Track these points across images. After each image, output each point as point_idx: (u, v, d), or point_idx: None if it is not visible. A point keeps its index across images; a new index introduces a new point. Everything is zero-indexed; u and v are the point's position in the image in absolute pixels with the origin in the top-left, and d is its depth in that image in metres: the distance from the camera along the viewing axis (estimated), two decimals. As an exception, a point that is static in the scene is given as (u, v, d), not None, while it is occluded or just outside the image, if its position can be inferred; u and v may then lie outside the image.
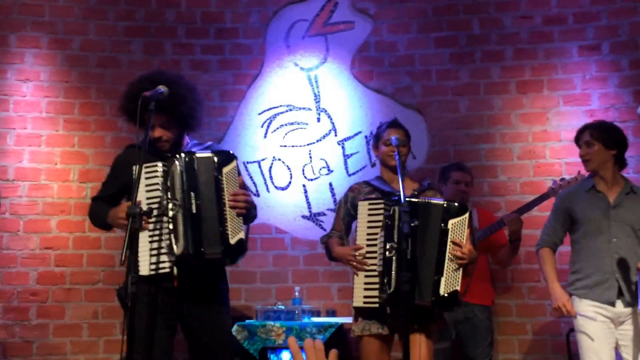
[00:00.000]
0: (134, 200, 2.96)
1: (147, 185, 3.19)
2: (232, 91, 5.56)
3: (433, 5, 5.56)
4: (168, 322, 3.27)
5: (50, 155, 5.30)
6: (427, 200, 3.43)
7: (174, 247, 3.10)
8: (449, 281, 3.35)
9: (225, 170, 3.23)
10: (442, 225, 3.39)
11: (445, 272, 3.35)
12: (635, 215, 3.82)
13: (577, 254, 3.91)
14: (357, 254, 3.46)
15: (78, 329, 5.17)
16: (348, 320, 4.92)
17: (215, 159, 3.24)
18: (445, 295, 3.34)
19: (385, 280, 3.29)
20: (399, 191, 3.44)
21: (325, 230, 5.30)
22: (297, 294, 4.99)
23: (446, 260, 3.36)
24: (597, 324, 3.74)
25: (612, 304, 3.73)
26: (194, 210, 3.14)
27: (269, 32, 5.65)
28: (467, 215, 3.44)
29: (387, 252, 3.30)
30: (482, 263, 4.67)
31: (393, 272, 3.29)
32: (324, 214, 5.39)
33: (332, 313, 5.10)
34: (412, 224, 3.27)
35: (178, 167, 3.17)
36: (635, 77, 5.23)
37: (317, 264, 5.34)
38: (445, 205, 3.43)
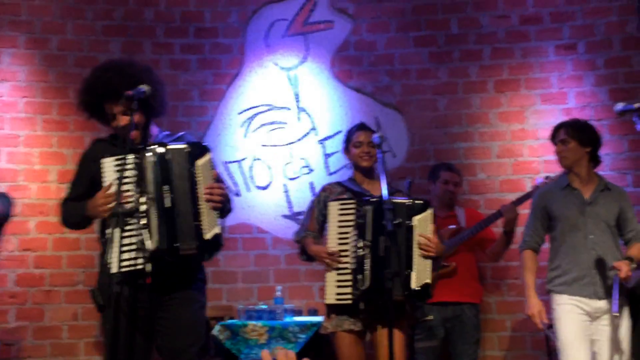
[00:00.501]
0: (118, 199, 2.92)
1: (117, 179, 3.02)
2: (211, 91, 5.55)
3: (412, 4, 5.60)
4: (145, 326, 3.15)
5: (29, 156, 5.25)
6: (392, 201, 3.50)
7: (147, 242, 2.97)
8: (420, 275, 3.49)
9: (199, 162, 3.11)
10: (408, 222, 3.52)
11: (414, 266, 3.48)
12: (610, 211, 3.90)
13: (555, 251, 3.97)
14: (330, 252, 3.56)
15: (58, 331, 5.14)
16: (330, 318, 4.95)
17: (189, 150, 3.11)
18: (417, 288, 3.48)
19: (359, 277, 3.42)
20: (369, 192, 3.65)
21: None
22: (278, 293, 5.00)
23: (414, 255, 3.50)
24: (575, 316, 3.81)
25: (591, 298, 3.80)
26: (168, 204, 3.03)
27: (249, 31, 5.65)
28: (430, 211, 3.60)
29: (360, 250, 3.43)
30: (470, 261, 4.72)
31: (367, 269, 3.42)
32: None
33: (314, 312, 5.11)
34: (391, 222, 3.34)
35: (149, 159, 3.04)
36: (611, 75, 5.31)
37: (299, 264, 5.30)
38: (407, 203, 3.55)
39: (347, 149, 3.93)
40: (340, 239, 3.56)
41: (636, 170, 5.20)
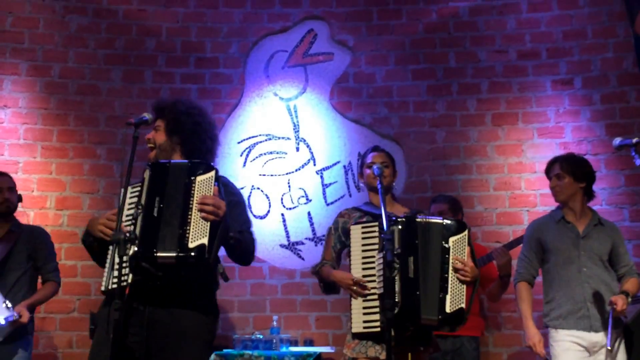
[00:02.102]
0: (118, 225, 2.83)
1: (129, 204, 3.00)
2: (211, 120, 5.59)
3: (410, 38, 5.68)
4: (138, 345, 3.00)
5: (28, 182, 5.26)
6: (426, 219, 3.41)
7: (129, 250, 2.83)
8: (454, 299, 3.30)
9: (199, 178, 3.01)
10: (443, 243, 3.36)
11: (449, 289, 3.30)
12: (603, 245, 3.92)
13: (549, 284, 3.99)
14: (356, 279, 3.40)
15: (52, 358, 5.09)
16: (326, 349, 4.93)
17: (190, 166, 3.05)
18: (452, 312, 3.28)
19: (390, 302, 3.11)
20: (391, 213, 3.46)
21: (303, 259, 5.33)
22: (275, 323, 4.98)
23: (449, 278, 3.32)
24: (573, 353, 3.80)
25: (587, 331, 3.80)
26: (155, 214, 2.94)
27: (249, 62, 5.71)
28: (466, 232, 3.41)
29: (388, 273, 3.16)
30: (468, 292, 4.68)
31: (397, 293, 3.22)
32: (302, 243, 5.41)
33: (309, 342, 5.09)
34: (414, 242, 3.27)
35: (148, 175, 3.02)
36: (607, 111, 5.38)
37: (295, 293, 5.34)
38: (444, 223, 3.41)
39: (361, 173, 3.84)
40: (365, 263, 3.40)
41: (632, 205, 5.23)
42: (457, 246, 3.38)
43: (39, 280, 4.47)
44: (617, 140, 3.41)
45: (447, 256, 3.35)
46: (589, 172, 4.01)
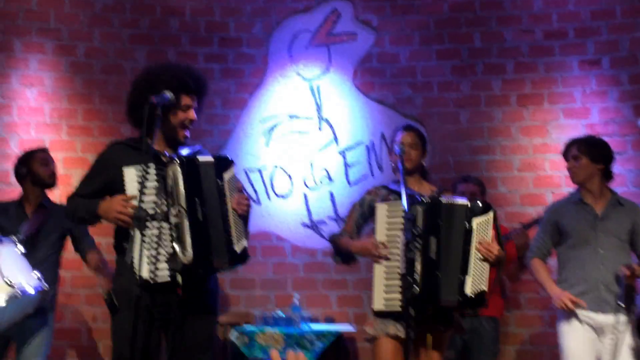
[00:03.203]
0: (139, 204, 2.89)
1: (142, 188, 2.98)
2: (234, 99, 5.60)
3: (435, 18, 5.62)
4: (158, 332, 3.13)
5: (53, 160, 5.31)
6: (450, 201, 3.39)
7: (180, 255, 2.96)
8: (476, 281, 3.29)
9: (226, 176, 3.14)
10: (467, 224, 3.34)
11: (471, 271, 3.29)
12: (622, 226, 3.88)
13: (563, 265, 3.96)
14: (378, 243, 3.38)
15: (77, 333, 5.18)
16: (347, 328, 4.95)
17: (216, 163, 3.14)
18: (472, 295, 3.27)
19: (411, 281, 3.18)
20: (417, 193, 3.45)
21: (325, 239, 5.32)
22: (296, 301, 5.00)
23: (471, 260, 3.30)
24: (580, 332, 3.79)
25: (596, 312, 3.77)
26: (200, 218, 3.02)
27: (272, 42, 5.70)
28: (491, 214, 3.38)
29: (408, 253, 3.20)
30: (491, 275, 4.67)
31: (417, 273, 3.23)
32: (325, 223, 5.41)
33: (330, 320, 5.11)
34: (438, 223, 3.26)
35: (180, 172, 3.03)
36: (635, 91, 5.28)
37: (317, 272, 5.36)
38: (468, 204, 3.39)
39: (390, 151, 3.81)
40: (389, 241, 3.37)
41: (659, 187, 5.15)
42: (481, 228, 3.35)
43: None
44: (641, 121, 3.35)
45: (469, 238, 3.33)
46: (607, 153, 3.97)
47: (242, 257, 3.15)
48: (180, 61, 5.56)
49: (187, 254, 2.96)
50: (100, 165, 3.26)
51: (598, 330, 3.79)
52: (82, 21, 5.54)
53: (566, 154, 4.05)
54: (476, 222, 3.35)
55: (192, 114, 3.23)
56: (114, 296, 3.00)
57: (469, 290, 3.28)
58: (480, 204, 3.41)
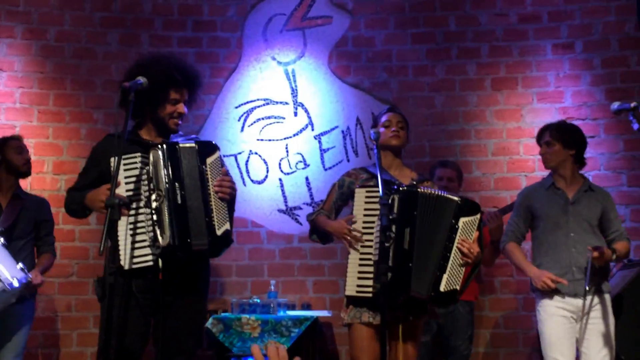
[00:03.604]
0: (112, 192, 2.91)
1: (126, 177, 3.11)
2: (209, 84, 5.53)
3: (410, 1, 5.60)
4: (146, 317, 3.18)
5: (24, 147, 5.24)
6: (442, 194, 3.36)
7: (159, 238, 3.02)
8: (451, 279, 3.29)
9: (209, 160, 3.18)
10: (453, 221, 3.32)
11: (448, 269, 3.28)
12: (592, 211, 3.94)
13: (537, 249, 4.02)
14: (352, 227, 3.38)
15: (51, 321, 5.13)
16: (323, 313, 4.97)
17: (199, 149, 3.18)
18: (445, 292, 3.27)
19: (384, 267, 3.14)
20: (397, 179, 3.45)
21: (301, 224, 5.33)
22: (272, 287, 5.01)
23: (451, 258, 3.29)
24: (558, 318, 3.84)
25: (572, 297, 3.82)
26: (179, 201, 3.06)
27: (247, 25, 5.65)
28: (478, 215, 3.37)
29: (383, 238, 3.17)
30: (464, 273, 4.70)
31: (390, 262, 3.21)
32: (300, 208, 5.41)
33: (307, 306, 5.12)
34: (413, 214, 3.25)
35: (161, 157, 3.10)
36: (607, 75, 5.33)
37: (293, 258, 5.36)
38: (459, 201, 3.35)
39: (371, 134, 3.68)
40: (365, 227, 3.36)
41: (631, 170, 5.22)
42: (467, 227, 3.34)
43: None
44: (615, 105, 3.38)
45: (453, 235, 3.31)
46: (579, 139, 4.02)
47: (225, 240, 3.16)
48: (153, 45, 5.51)
49: (164, 237, 3.02)
50: (94, 158, 3.35)
51: (577, 314, 3.83)
52: (53, 4, 5.44)
53: (539, 140, 4.11)
54: (463, 221, 3.33)
55: (181, 107, 3.30)
56: (97, 284, 3.01)
57: (443, 287, 3.27)
58: (470, 203, 3.40)
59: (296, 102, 5.56)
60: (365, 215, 3.38)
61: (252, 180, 5.47)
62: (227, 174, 3.27)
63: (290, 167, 5.49)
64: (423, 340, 4.38)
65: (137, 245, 3.04)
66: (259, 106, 5.56)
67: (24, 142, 4.50)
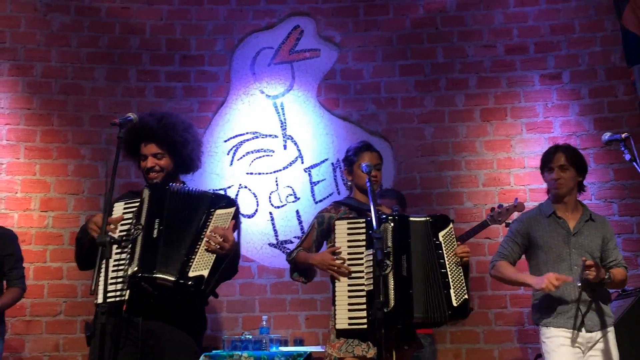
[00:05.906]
0: (103, 229, 2.87)
1: (124, 220, 3.09)
2: (197, 118, 5.51)
3: (398, 33, 5.63)
4: (134, 354, 3.08)
5: (11, 184, 5.19)
6: (412, 218, 3.40)
7: (129, 268, 2.95)
8: (458, 291, 3.33)
9: (219, 212, 3.13)
10: (434, 239, 3.37)
11: (452, 284, 3.32)
12: (594, 242, 3.80)
13: None
14: (337, 257, 3.37)
15: (38, 362, 5.04)
16: (316, 349, 4.89)
17: (212, 198, 3.18)
18: (459, 305, 3.31)
19: (382, 299, 3.05)
20: (381, 211, 3.47)
21: (292, 258, 5.26)
22: (264, 323, 4.93)
23: (449, 272, 3.34)
24: (566, 349, 3.72)
25: (580, 330, 3.73)
26: (155, 235, 3.02)
27: (235, 59, 5.65)
28: (451, 225, 3.44)
29: (379, 271, 3.11)
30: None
31: (391, 290, 3.21)
32: (291, 242, 5.35)
33: (299, 342, 5.04)
34: (407, 241, 3.28)
35: (147, 194, 3.10)
36: (595, 105, 5.36)
37: (284, 293, 5.30)
38: (428, 219, 3.41)
39: (349, 170, 3.72)
40: (351, 259, 3.35)
41: (621, 199, 5.22)
42: (447, 240, 3.40)
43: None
44: (607, 135, 3.35)
45: (440, 251, 3.37)
46: (585, 165, 3.87)
47: (194, 283, 2.99)
48: (140, 80, 5.49)
49: (132, 266, 2.96)
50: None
51: (584, 345, 3.72)
52: (39, 40, 5.42)
53: (550, 163, 3.82)
54: (441, 235, 3.40)
55: (149, 162, 3.26)
56: (87, 325, 2.95)
57: (454, 301, 3.31)
58: (439, 217, 3.47)
59: (285, 135, 5.55)
60: (349, 247, 3.38)
61: (242, 215, 5.41)
62: (231, 228, 3.14)
63: (281, 201, 5.45)
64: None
65: (112, 280, 2.97)
66: (248, 139, 5.54)
67: None
